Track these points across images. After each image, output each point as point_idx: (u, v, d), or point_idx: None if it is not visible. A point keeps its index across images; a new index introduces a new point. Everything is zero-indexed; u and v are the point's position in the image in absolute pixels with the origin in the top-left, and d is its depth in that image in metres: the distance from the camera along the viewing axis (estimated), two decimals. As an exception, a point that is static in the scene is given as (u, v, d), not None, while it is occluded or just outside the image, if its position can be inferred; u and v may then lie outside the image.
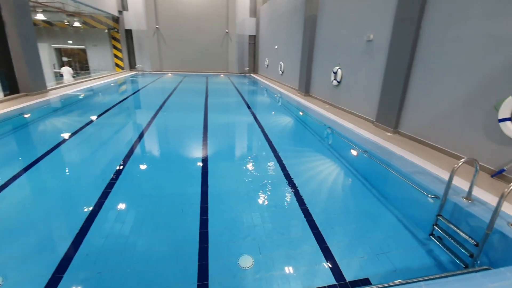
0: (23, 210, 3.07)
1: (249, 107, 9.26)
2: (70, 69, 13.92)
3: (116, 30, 18.61)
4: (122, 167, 4.19)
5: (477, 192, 3.23)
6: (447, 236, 2.86)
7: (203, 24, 19.83)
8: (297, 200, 3.49)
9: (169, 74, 19.41)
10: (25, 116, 6.99)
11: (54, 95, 9.20)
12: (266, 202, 3.41)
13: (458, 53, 4.43)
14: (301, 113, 8.38)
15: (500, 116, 3.76)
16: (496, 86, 3.88)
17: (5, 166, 4.20)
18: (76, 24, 17.42)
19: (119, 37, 18.83)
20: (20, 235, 2.65)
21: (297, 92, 11.59)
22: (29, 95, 8.70)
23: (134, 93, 11.23)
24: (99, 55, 19.30)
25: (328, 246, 2.65)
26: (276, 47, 15.44)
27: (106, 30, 18.72)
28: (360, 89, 7.23)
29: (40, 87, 9.20)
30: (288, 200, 3.49)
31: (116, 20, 18.31)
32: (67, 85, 11.51)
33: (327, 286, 2.17)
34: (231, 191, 3.66)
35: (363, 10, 7.03)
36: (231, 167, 4.45)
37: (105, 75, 15.95)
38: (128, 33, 19.15)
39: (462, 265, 2.63)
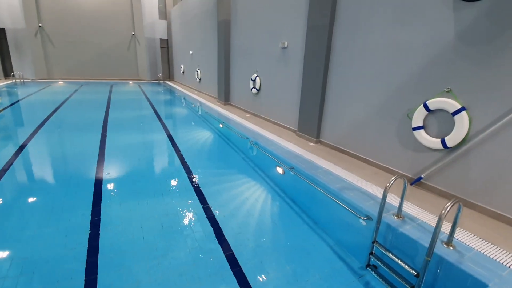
0: None
1: (162, 122, 7.98)
2: None
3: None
4: None
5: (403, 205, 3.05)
6: (384, 267, 2.52)
7: (103, 23, 17.12)
8: (221, 245, 2.68)
9: (60, 82, 15.99)
10: None
11: None
12: (184, 256, 2.47)
13: (367, 62, 4.40)
14: (221, 125, 7.62)
15: (414, 125, 3.76)
16: (407, 94, 3.89)
17: None
18: None
19: (-18, 36, 14.51)
20: None
21: (216, 101, 10.82)
22: None
23: (3, 110, 8.46)
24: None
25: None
26: (191, 52, 14.36)
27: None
28: (279, 98, 6.92)
29: None
30: (211, 248, 2.63)
31: (-26, 13, 14.04)
32: None
33: None
34: (135, 246, 2.57)
35: (275, 17, 6.75)
36: (135, 208, 3.30)
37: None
38: (0, 32, 14.97)
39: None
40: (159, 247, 2.60)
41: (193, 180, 4.16)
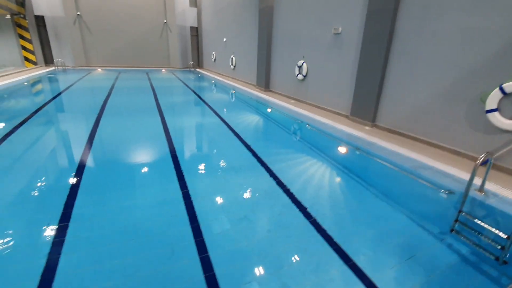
0: None
1: (210, 107, 8.35)
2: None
3: (22, 16, 15.03)
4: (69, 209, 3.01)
5: (479, 182, 3.25)
6: (471, 231, 2.76)
7: (136, 11, 17.55)
8: (301, 211, 2.99)
9: (99, 69, 16.70)
10: None
11: None
12: (270, 223, 2.80)
13: (437, 47, 4.50)
14: (269, 110, 7.91)
15: (488, 107, 3.90)
16: (480, 78, 4.01)
17: None
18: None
19: (27, 25, 15.28)
20: None
21: (255, 88, 11.08)
22: None
23: (58, 95, 9.09)
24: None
25: (354, 263, 2.27)
26: (224, 39, 14.58)
27: (8, 16, 14.96)
28: (329, 83, 7.10)
29: None
30: (293, 214, 2.95)
31: (21, 3, 14.77)
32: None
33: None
34: (225, 217, 2.92)
35: (327, 2, 6.85)
36: (216, 183, 3.66)
37: (12, 72, 12.73)
38: (40, 20, 15.70)
39: (492, 257, 2.56)
40: (248, 218, 2.92)
41: (259, 158, 4.47)
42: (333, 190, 3.65)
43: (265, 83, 10.26)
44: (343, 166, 4.38)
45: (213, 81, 13.96)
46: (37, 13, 15.33)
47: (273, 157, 4.58)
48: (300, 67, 8.07)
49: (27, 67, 15.57)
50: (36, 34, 15.65)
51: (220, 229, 2.65)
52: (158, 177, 3.72)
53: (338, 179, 3.96)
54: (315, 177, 3.93)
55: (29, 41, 15.62)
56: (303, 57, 7.99)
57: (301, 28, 7.98)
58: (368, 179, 4.00)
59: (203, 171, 4.00)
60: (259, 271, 2.16)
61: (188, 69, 19.65)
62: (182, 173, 3.81)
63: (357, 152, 4.60)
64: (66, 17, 15.84)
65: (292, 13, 8.33)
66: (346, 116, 6.55)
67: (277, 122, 7.02)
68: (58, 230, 2.47)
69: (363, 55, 5.83)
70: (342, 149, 5.07)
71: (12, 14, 14.95)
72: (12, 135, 5.04)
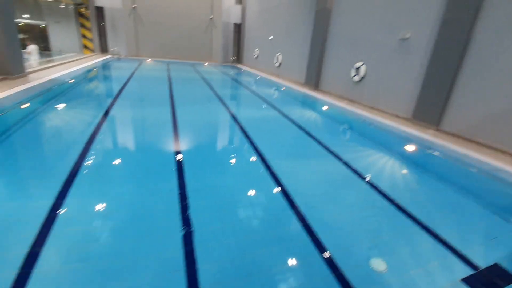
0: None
1: (265, 100, 8.86)
2: (37, 47, 11.82)
3: (84, 6, 16.28)
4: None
5: None
6: None
7: (185, 7, 18.42)
8: (391, 202, 3.38)
9: (149, 60, 17.74)
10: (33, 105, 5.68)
11: (38, 79, 7.66)
12: (356, 204, 3.22)
13: (519, 57, 4.69)
14: (325, 108, 8.30)
15: None
16: None
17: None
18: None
19: (88, 14, 16.53)
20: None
21: (302, 86, 11.47)
22: (8, 79, 7.12)
23: (128, 81, 9.95)
24: (63, 34, 16.75)
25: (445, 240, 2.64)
26: (270, 38, 15.04)
27: (72, 6, 16.27)
28: (389, 87, 7.36)
29: (19, 69, 7.58)
30: (374, 197, 3.35)
31: (85, -6, 16.00)
32: (43, 68, 9.73)
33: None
34: (327, 199, 3.39)
35: (396, 7, 7.10)
36: (301, 166, 4.14)
37: (77, 58, 13.91)
38: (99, 10, 16.91)
39: None
40: (329, 195, 3.38)
41: (327, 148, 4.89)
42: (405, 180, 4.03)
43: (315, 82, 10.62)
44: (411, 162, 4.71)
45: (258, 77, 14.48)
46: (98, 4, 16.52)
47: (341, 148, 5.00)
48: (357, 68, 8.38)
49: (85, 54, 16.85)
50: (95, 24, 16.88)
51: (308, 205, 3.13)
52: (242, 160, 4.24)
53: (405, 171, 4.33)
54: (386, 168, 4.31)
55: (89, 30, 16.89)
56: (362, 59, 8.28)
57: (362, 31, 8.26)
58: (438, 173, 4.33)
59: (284, 157, 4.49)
60: (357, 240, 2.61)
61: (228, 64, 20.34)
62: (262, 155, 4.32)
63: (423, 150, 4.92)
64: (123, 9, 16.94)
65: (354, 16, 8.63)
66: (407, 119, 6.81)
67: (335, 119, 7.39)
68: (180, 196, 3.01)
69: (433, 62, 6.07)
70: (408, 147, 5.39)
71: (76, 4, 16.23)
72: (109, 116, 5.79)
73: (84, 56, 15.30)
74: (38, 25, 16.63)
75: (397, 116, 7.11)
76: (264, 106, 8.16)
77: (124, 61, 16.07)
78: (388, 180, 3.90)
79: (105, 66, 13.49)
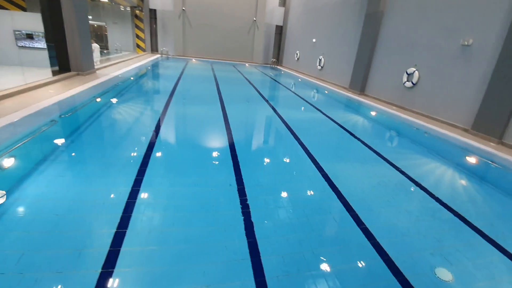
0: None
1: (308, 103, 8.89)
2: (98, 46, 13.02)
3: (140, 8, 17.55)
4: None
5: None
6: None
7: (230, 9, 19.00)
8: (443, 206, 3.27)
9: (193, 59, 18.61)
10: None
11: (105, 75, 8.50)
12: (414, 210, 3.15)
13: None
14: (373, 113, 8.12)
15: None
16: None
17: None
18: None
19: (143, 16, 17.79)
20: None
21: (346, 90, 11.29)
22: (80, 75, 8.00)
23: (179, 79, 10.58)
24: (119, 34, 18.20)
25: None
26: (313, 40, 14.98)
27: (129, 8, 17.62)
28: (446, 95, 7.01)
29: (89, 67, 8.48)
30: (432, 206, 3.26)
31: (141, -3, 17.26)
32: (107, 65, 10.73)
33: None
34: (374, 201, 3.38)
35: (456, 11, 6.74)
36: (355, 170, 4.15)
37: (133, 57, 15.06)
38: (152, 12, 18.12)
39: None
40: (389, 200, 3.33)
41: (379, 154, 4.80)
42: (466, 191, 3.86)
43: (360, 86, 10.40)
44: (471, 173, 4.48)
45: (299, 79, 14.51)
46: (151, 6, 17.72)
47: (394, 154, 4.90)
48: (409, 74, 8.07)
49: (138, 53, 18.17)
50: (148, 25, 18.12)
51: (364, 209, 3.14)
52: (294, 160, 4.34)
53: (464, 182, 4.14)
54: (444, 178, 4.15)
55: (142, 31, 18.17)
56: (415, 65, 7.97)
57: (417, 36, 7.94)
58: (502, 187, 4.07)
59: (335, 159, 4.53)
60: (419, 248, 2.58)
61: (268, 65, 20.58)
62: (312, 156, 4.40)
63: (484, 162, 4.64)
64: (174, 11, 17.97)
65: (408, 20, 8.33)
66: (465, 130, 6.43)
67: (385, 124, 7.20)
68: (239, 191, 3.20)
69: (498, 70, 5.68)
70: (468, 159, 5.13)
71: (132, 7, 17.55)
72: (168, 110, 6.25)
73: (138, 55, 16.52)
74: (99, 26, 18.28)
75: (454, 126, 6.74)
76: (310, 108, 8.20)
77: (172, 60, 17.05)
78: (447, 189, 3.79)
79: (157, 64, 14.44)
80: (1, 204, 2.51)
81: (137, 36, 18.28)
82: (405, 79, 8.26)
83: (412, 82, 7.99)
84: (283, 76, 15.48)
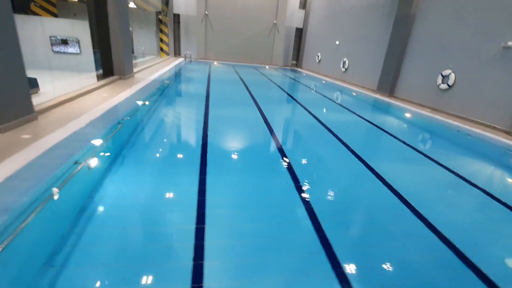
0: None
1: (340, 105, 9.00)
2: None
3: (164, 13, 18.06)
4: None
5: None
6: None
7: (251, 13, 19.30)
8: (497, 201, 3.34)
9: (215, 62, 18.99)
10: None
11: (144, 79, 8.88)
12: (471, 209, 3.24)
13: None
14: (408, 115, 8.17)
15: None
16: None
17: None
18: (131, 4, 16.84)
19: (167, 21, 18.30)
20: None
21: (374, 92, 11.33)
22: (122, 79, 8.40)
23: (209, 83, 10.88)
24: (144, 39, 18.75)
25: None
26: (337, 42, 15.06)
27: (155, 13, 18.15)
28: (487, 97, 7.00)
29: (129, 71, 8.88)
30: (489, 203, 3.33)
31: (166, 3, 17.75)
32: (140, 69, 11.14)
33: None
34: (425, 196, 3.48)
35: (496, 13, 6.74)
36: (405, 168, 4.27)
37: (160, 61, 15.53)
38: (176, 17, 18.61)
39: None
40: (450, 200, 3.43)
41: (424, 154, 4.88)
42: None
43: (389, 88, 10.43)
44: None
45: (323, 81, 14.62)
46: (175, 11, 18.21)
47: (439, 155, 4.98)
48: (445, 76, 8.08)
49: (162, 57, 18.68)
50: (172, 29, 18.62)
51: (424, 206, 3.25)
52: (343, 160, 4.48)
53: None
54: (496, 177, 4.21)
55: (166, 35, 18.68)
56: (451, 67, 7.97)
57: (453, 38, 7.95)
58: None
59: (382, 159, 4.65)
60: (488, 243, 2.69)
61: (288, 67, 20.76)
62: (359, 156, 4.52)
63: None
64: (197, 15, 18.41)
65: (443, 23, 8.34)
66: (507, 132, 6.42)
67: (422, 126, 7.24)
68: (297, 189, 3.37)
69: (546, 72, 5.67)
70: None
71: (157, 12, 18.08)
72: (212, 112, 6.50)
73: (163, 59, 17.00)
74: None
75: (495, 128, 6.73)
76: (342, 109, 8.32)
77: (195, 63, 17.45)
78: (498, 185, 3.86)
79: (184, 68, 14.85)
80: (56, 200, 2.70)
81: (161, 40, 18.80)
82: (439, 81, 8.27)
83: (447, 84, 7.99)
84: (306, 78, 15.61)
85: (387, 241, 2.62)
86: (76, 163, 3.18)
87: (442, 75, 8.19)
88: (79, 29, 7.97)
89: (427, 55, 8.91)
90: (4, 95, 3.61)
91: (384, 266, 2.28)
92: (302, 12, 19.88)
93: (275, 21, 19.59)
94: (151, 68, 12.24)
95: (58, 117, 4.52)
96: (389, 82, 10.44)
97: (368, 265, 2.29)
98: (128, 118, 5.21)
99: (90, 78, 7.54)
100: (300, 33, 20.61)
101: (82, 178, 3.15)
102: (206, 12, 18.63)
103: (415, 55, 9.47)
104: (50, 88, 5.80)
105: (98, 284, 1.88)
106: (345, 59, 14.15)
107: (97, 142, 3.89)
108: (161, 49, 19.02)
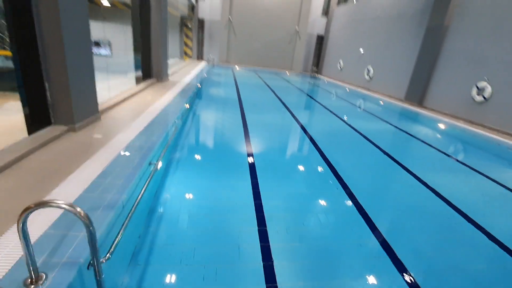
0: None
1: (376, 116, 9.03)
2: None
3: (190, 18, 18.49)
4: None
5: None
6: None
7: (273, 19, 19.56)
8: None
9: (236, 67, 19.27)
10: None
11: (178, 83, 9.13)
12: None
13: None
14: (443, 126, 8.13)
15: None
16: None
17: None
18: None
19: (192, 25, 18.72)
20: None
21: (401, 101, 11.31)
22: (159, 82, 8.67)
23: (237, 86, 11.08)
24: (170, 42, 19.20)
25: None
26: (361, 50, 15.10)
27: (179, 17, 18.60)
28: (526, 110, 6.94)
29: (166, 74, 9.16)
30: None
31: (192, 8, 18.19)
32: (172, 72, 11.44)
33: None
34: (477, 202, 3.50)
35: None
36: (451, 179, 4.30)
37: (185, 65, 15.89)
38: (200, 22, 19.03)
39: None
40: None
41: (466, 165, 4.89)
42: None
43: (419, 98, 10.40)
44: None
45: (347, 89, 14.65)
46: (200, 16, 18.63)
47: (484, 167, 4.98)
48: (480, 89, 8.03)
49: (184, 60, 19.09)
50: (195, 34, 19.04)
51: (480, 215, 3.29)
52: (385, 168, 4.52)
53: None
54: None
55: (190, 39, 19.11)
56: (487, 79, 7.93)
57: (489, 50, 7.92)
58: None
59: (427, 169, 4.68)
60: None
61: (308, 74, 20.88)
62: (402, 164, 4.56)
63: None
64: (221, 20, 18.79)
65: (478, 34, 8.32)
66: (550, 147, 6.35)
67: (461, 138, 7.21)
68: (349, 195, 3.44)
69: None
70: None
71: (182, 17, 18.53)
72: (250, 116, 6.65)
73: (187, 63, 17.39)
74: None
75: (535, 142, 6.66)
76: (374, 118, 8.36)
77: (218, 67, 17.78)
78: None
79: (209, 71, 15.17)
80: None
81: (185, 44, 19.22)
82: (474, 93, 8.22)
83: (483, 97, 7.94)
84: (328, 86, 15.69)
85: (447, 247, 2.73)
86: (150, 164, 3.36)
87: (477, 87, 8.14)
88: (109, 32, 8.28)
89: (462, 66, 8.88)
90: (81, 94, 3.84)
91: (445, 270, 2.40)
92: (324, 19, 20.02)
93: (297, 28, 19.78)
94: (181, 71, 12.55)
95: (117, 118, 4.75)
96: (418, 92, 10.42)
97: (431, 270, 2.38)
98: (180, 120, 5.41)
99: (129, 80, 7.83)
100: (321, 40, 20.74)
101: (153, 178, 3.33)
102: (230, 18, 18.98)
103: (447, 67, 9.44)
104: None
105: (181, 281, 1.98)
106: (369, 67, 14.17)
107: (162, 143, 4.08)
108: (185, 53, 19.43)
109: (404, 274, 2.28)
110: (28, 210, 1.34)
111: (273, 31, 19.89)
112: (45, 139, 3.23)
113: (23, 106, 3.43)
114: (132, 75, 8.35)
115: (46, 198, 2.24)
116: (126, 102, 5.82)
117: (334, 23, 18.96)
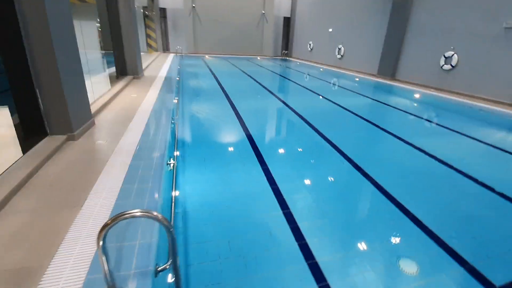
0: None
1: (358, 93, 9.37)
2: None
3: (150, 8, 17.39)
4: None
5: None
6: None
7: (239, 3, 19.09)
8: None
9: (207, 56, 18.70)
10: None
11: (156, 77, 8.69)
12: None
13: None
14: (418, 96, 8.68)
15: None
16: None
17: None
18: None
19: (153, 16, 17.65)
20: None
21: (374, 76, 11.82)
22: (136, 78, 8.19)
23: (215, 75, 10.80)
24: (130, 35, 18.00)
25: None
26: (330, 30, 15.37)
27: (140, 8, 17.42)
28: (489, 74, 7.63)
29: (141, 69, 8.65)
30: None
31: (151, -3, 17.10)
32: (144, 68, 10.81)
33: None
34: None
35: (497, -4, 7.31)
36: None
37: (154, 57, 15.07)
38: (162, 11, 18.00)
39: None
40: None
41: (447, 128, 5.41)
42: None
43: (391, 72, 10.95)
44: None
45: (321, 69, 14.93)
46: (161, 5, 17.60)
47: (464, 128, 5.50)
48: (447, 57, 8.65)
49: (150, 53, 18.07)
50: (159, 24, 18.01)
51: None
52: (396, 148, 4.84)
53: None
54: None
55: (153, 30, 18.05)
56: (453, 48, 8.54)
57: (454, 21, 8.50)
58: None
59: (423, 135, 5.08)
60: None
61: (279, 57, 20.88)
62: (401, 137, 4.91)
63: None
64: (184, 9, 17.92)
65: (443, 5, 8.85)
66: (510, 104, 7.10)
67: (435, 105, 7.77)
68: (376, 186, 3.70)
69: (547, 48, 6.30)
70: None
71: (143, 7, 17.37)
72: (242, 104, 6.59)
73: (155, 55, 16.50)
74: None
75: (500, 102, 7.40)
76: (354, 95, 8.68)
77: (188, 58, 17.10)
78: None
79: (181, 63, 14.54)
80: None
81: (148, 36, 18.15)
82: (442, 62, 8.84)
83: (451, 65, 8.58)
84: (302, 67, 15.84)
85: (453, 199, 3.07)
86: (168, 163, 3.23)
87: (444, 57, 8.76)
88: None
89: (429, 37, 9.44)
90: (76, 99, 3.53)
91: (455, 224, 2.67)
92: (289, 1, 19.95)
93: (263, 11, 19.52)
94: (151, 66, 11.91)
95: (110, 120, 4.45)
96: (390, 66, 10.95)
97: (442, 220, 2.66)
98: (177, 116, 5.21)
99: (104, 79, 7.28)
100: (288, 22, 20.72)
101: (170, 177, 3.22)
102: (193, 5, 18.18)
103: (415, 39, 9.99)
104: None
105: (224, 274, 1.98)
106: (340, 45, 14.53)
107: (171, 141, 3.92)
108: (150, 46, 18.38)
109: (423, 230, 2.51)
110: (106, 227, 1.27)
111: (240, 16, 19.46)
112: (48, 152, 2.95)
113: (12, 115, 3.08)
114: (106, 73, 7.79)
115: (110, 212, 2.09)
116: (112, 103, 5.45)
117: (300, 4, 18.99)
